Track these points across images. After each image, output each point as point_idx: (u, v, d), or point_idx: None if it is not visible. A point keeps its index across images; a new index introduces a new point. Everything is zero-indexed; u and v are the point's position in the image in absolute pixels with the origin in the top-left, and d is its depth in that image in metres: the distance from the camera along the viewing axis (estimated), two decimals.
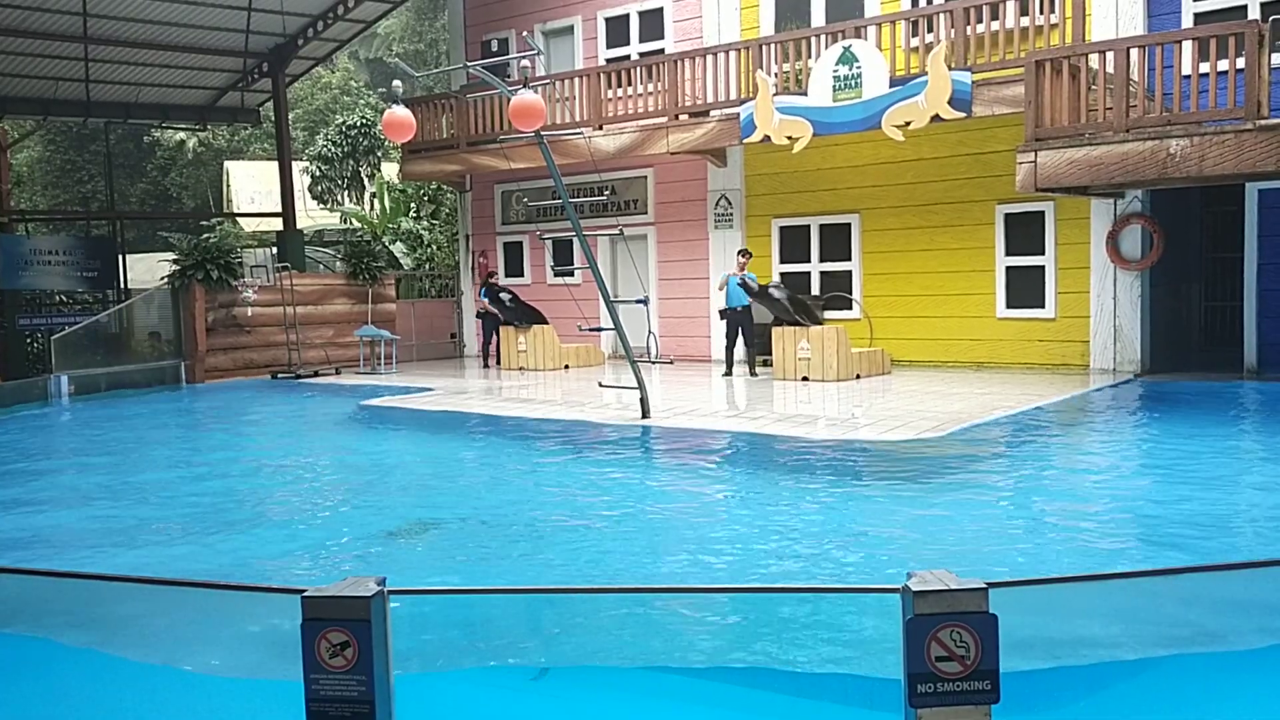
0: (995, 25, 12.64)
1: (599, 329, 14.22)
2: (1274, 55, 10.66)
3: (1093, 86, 11.27)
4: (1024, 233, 14.13)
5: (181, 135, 34.26)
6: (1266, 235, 12.75)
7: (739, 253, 14.71)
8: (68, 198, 34.51)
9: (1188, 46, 10.66)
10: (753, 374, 14.39)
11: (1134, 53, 10.89)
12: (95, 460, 10.81)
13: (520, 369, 16.70)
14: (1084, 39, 12.08)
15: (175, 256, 17.75)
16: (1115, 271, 13.41)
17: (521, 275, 19.46)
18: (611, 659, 4.63)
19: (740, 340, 14.49)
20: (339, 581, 2.80)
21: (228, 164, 32.99)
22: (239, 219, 30.30)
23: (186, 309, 17.10)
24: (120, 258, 23.42)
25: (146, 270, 25.48)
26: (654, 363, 13.99)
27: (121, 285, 22.95)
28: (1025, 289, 14.18)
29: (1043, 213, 13.92)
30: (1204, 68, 10.54)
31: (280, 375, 17.27)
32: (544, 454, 9.94)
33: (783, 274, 15.81)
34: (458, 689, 4.47)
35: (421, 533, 7.16)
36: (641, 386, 10.70)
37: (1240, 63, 10.12)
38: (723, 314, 14.66)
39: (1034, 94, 11.22)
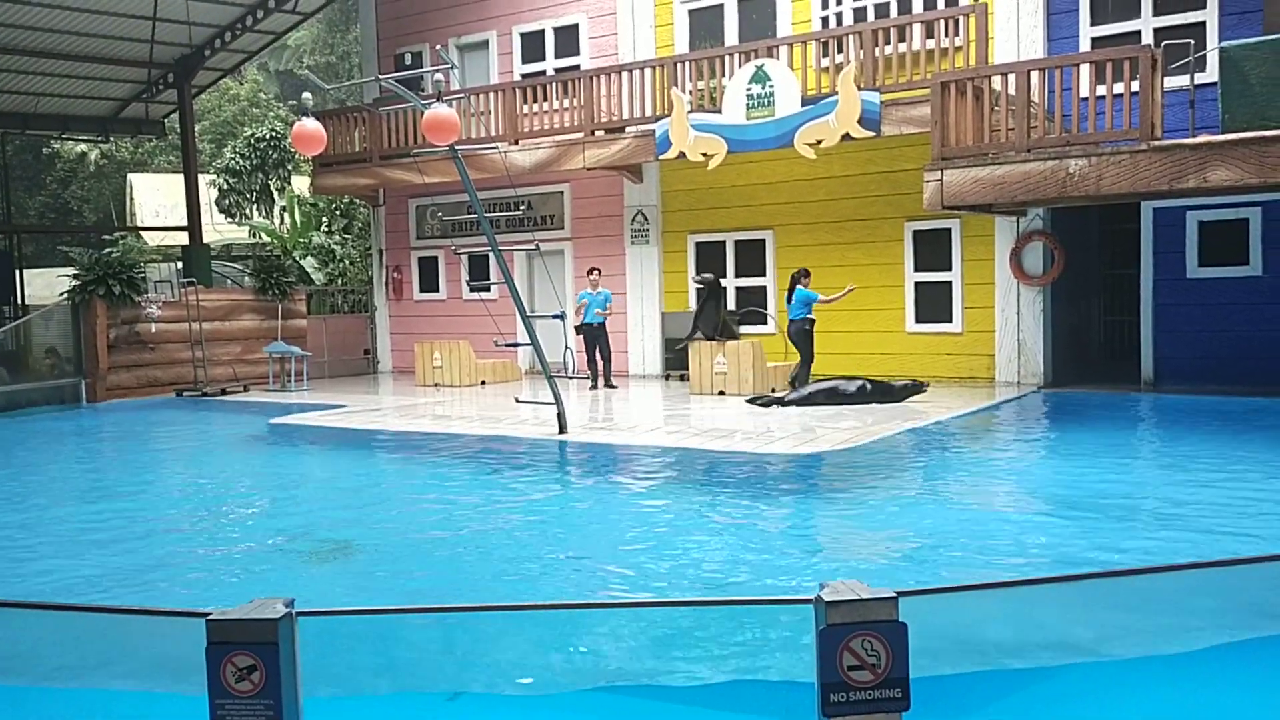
0: (903, 47, 12.94)
1: (515, 344, 14.15)
2: (1167, 79, 11.12)
3: (996, 108, 11.61)
4: (932, 249, 14.47)
5: (83, 147, 33.17)
6: (1161, 252, 13.26)
7: (589, 270, 15.20)
8: None
9: (1085, 70, 11.04)
10: (603, 386, 14.91)
11: (1034, 75, 11.25)
12: None
13: (436, 385, 16.51)
14: (987, 62, 12.43)
15: (75, 271, 17.15)
16: (1019, 287, 13.80)
17: (437, 291, 19.27)
18: (528, 680, 4.58)
19: (599, 354, 14.97)
20: (245, 604, 2.72)
21: (131, 176, 32.02)
22: (143, 233, 29.43)
23: (87, 325, 16.54)
24: (17, 272, 22.57)
25: (45, 286, 24.57)
26: (571, 378, 13.98)
27: (18, 301, 22.11)
28: (933, 304, 14.51)
29: (949, 230, 14.27)
30: (1101, 90, 10.93)
31: (186, 393, 16.80)
32: (458, 471, 9.82)
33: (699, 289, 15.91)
34: (369, 713, 4.37)
35: (329, 554, 7.01)
36: (558, 402, 10.67)
37: (1135, 86, 10.51)
38: (579, 330, 14.92)
39: (940, 114, 11.51)
